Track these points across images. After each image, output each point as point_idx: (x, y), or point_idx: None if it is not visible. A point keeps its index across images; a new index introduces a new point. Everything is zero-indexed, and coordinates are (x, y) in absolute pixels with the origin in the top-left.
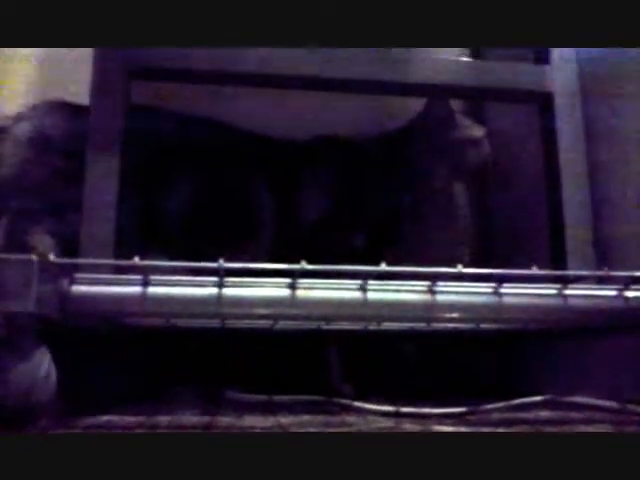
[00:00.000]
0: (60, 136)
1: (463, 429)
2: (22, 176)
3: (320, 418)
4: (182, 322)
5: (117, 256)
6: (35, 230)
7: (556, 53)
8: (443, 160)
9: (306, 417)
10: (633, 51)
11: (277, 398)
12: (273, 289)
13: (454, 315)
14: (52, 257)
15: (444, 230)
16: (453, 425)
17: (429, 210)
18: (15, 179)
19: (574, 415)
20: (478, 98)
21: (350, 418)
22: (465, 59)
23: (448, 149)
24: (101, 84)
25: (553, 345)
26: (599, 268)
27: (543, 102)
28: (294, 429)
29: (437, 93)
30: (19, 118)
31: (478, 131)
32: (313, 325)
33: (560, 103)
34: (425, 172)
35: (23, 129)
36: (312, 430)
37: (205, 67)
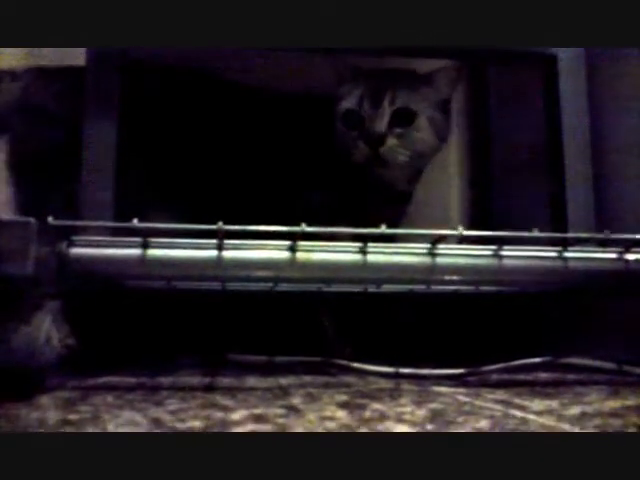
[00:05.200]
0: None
1: (462, 390)
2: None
3: (320, 379)
4: (182, 285)
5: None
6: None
7: None
8: None
9: (306, 378)
10: None
11: (278, 359)
12: (273, 251)
13: (454, 277)
14: (50, 219)
15: None
16: (452, 387)
17: None
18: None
19: (572, 376)
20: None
21: (349, 379)
22: None
23: None
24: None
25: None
26: (600, 230)
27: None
28: (294, 389)
29: (439, 54)
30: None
31: None
32: (313, 287)
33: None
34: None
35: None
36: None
37: None
